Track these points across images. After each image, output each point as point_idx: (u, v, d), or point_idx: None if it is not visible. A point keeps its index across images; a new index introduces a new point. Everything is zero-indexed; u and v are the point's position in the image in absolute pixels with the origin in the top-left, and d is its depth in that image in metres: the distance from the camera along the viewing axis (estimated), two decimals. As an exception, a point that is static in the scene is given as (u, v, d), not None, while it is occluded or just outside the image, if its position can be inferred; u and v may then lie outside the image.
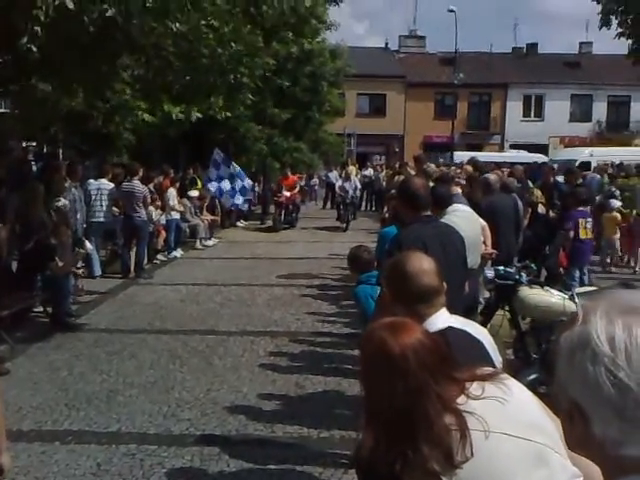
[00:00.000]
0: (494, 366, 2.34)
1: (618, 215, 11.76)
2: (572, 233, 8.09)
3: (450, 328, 2.34)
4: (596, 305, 1.01)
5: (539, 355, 5.65)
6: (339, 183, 20.06)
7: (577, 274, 8.24)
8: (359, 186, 20.58)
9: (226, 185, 15.20)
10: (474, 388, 1.79)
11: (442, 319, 2.36)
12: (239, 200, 15.83)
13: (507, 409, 1.74)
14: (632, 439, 0.95)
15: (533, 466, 1.69)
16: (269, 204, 19.81)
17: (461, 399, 1.75)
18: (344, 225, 18.20)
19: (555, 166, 18.15)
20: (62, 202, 8.71)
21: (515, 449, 1.69)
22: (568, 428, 1.05)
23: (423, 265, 2.42)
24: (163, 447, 4.71)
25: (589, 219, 8.34)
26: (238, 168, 15.63)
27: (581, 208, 8.30)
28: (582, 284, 7.92)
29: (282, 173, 19.32)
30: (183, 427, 5.07)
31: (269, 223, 18.47)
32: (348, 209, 18.71)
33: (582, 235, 8.16)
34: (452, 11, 34.41)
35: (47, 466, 4.42)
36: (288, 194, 18.24)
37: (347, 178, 19.40)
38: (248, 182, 15.98)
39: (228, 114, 13.73)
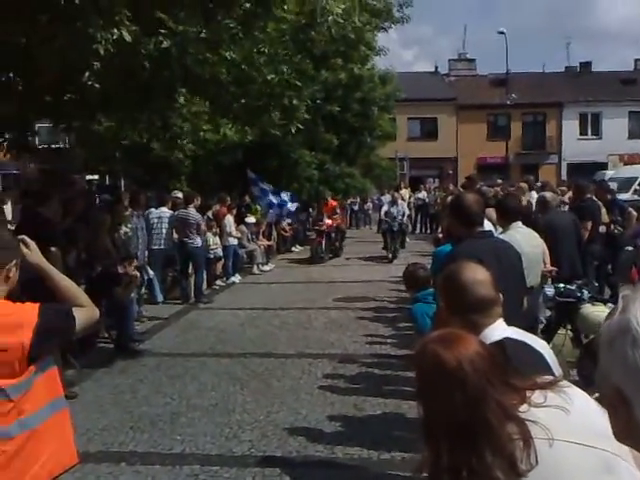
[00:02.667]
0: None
1: None
2: None
3: (508, 339, 2.31)
4: (636, 293, 1.02)
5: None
6: (385, 208, 18.15)
7: None
8: (407, 212, 18.58)
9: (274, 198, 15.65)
10: (536, 396, 1.78)
11: (499, 330, 2.33)
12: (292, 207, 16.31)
13: (571, 417, 1.71)
14: None
15: (600, 474, 1.66)
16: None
17: (523, 407, 1.73)
18: (390, 255, 16.46)
19: (615, 184, 17.74)
20: (122, 230, 9.03)
21: (581, 457, 1.66)
22: (613, 417, 1.05)
23: (478, 275, 2.39)
24: (225, 468, 4.76)
25: None
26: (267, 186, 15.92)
27: None
28: None
29: (310, 196, 18.40)
30: (244, 448, 5.12)
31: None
32: (395, 237, 16.81)
33: None
34: (502, 33, 34.29)
35: (114, 486, 4.53)
36: (329, 221, 16.94)
37: (394, 202, 17.56)
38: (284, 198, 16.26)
39: (283, 129, 13.91)
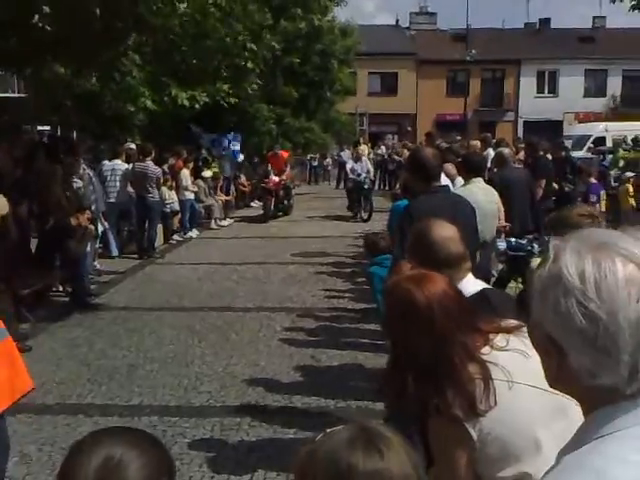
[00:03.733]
0: None
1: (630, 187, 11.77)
2: (598, 206, 8.18)
3: (487, 289, 2.40)
4: (566, 243, 1.05)
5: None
6: (349, 165, 16.86)
7: None
8: (371, 169, 16.94)
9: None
10: (499, 340, 1.85)
11: (471, 283, 2.40)
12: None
13: (530, 361, 1.79)
14: (605, 369, 0.99)
15: (553, 417, 1.74)
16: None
17: (485, 350, 1.80)
18: (365, 215, 15.41)
19: (570, 142, 18.07)
20: (77, 184, 8.83)
21: (538, 400, 1.74)
22: (546, 364, 1.09)
23: (447, 232, 2.45)
24: (184, 418, 4.81)
25: (603, 191, 8.41)
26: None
27: (594, 181, 8.35)
28: None
29: (269, 149, 16.78)
30: (203, 399, 5.18)
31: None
32: (367, 196, 15.60)
33: (603, 207, 8.24)
34: (463, -14, 34.01)
35: (72, 437, 4.52)
36: (276, 179, 15.72)
37: (358, 159, 16.41)
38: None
39: (235, 100, 13.69)
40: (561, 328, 1.02)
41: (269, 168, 16.09)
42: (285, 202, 16.53)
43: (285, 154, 17.14)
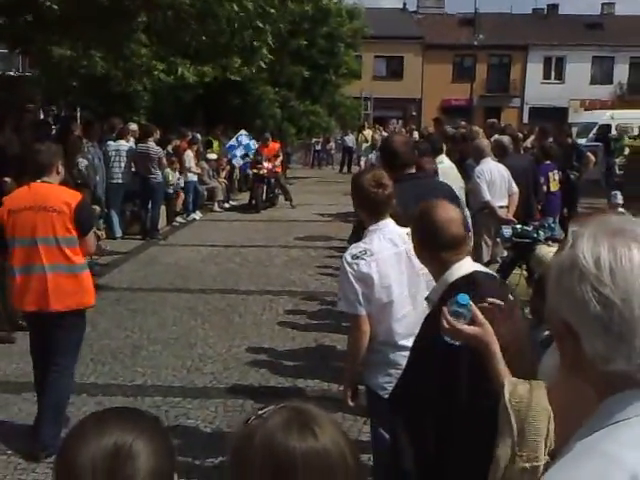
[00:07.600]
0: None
1: None
2: (545, 187, 8.27)
3: (477, 271, 2.42)
4: (584, 229, 1.06)
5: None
6: (373, 157, 14.23)
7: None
8: None
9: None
10: None
11: (467, 265, 2.42)
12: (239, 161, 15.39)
13: None
14: (619, 354, 1.00)
15: None
16: (285, 170, 18.61)
17: None
18: None
19: (575, 129, 17.97)
20: (82, 163, 8.82)
21: None
22: (561, 349, 1.10)
23: (450, 214, 2.45)
24: (188, 399, 4.85)
25: (556, 171, 8.48)
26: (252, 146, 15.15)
27: (548, 162, 8.46)
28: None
29: (262, 139, 15.56)
30: (207, 380, 5.22)
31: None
32: None
33: (552, 187, 8.34)
34: (472, -30, 33.69)
35: (76, 417, 4.53)
36: (270, 165, 14.77)
37: (374, 147, 14.35)
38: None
39: (244, 72, 13.48)
40: (576, 314, 1.02)
41: (262, 154, 15.04)
42: (276, 191, 15.56)
43: (276, 145, 15.96)
